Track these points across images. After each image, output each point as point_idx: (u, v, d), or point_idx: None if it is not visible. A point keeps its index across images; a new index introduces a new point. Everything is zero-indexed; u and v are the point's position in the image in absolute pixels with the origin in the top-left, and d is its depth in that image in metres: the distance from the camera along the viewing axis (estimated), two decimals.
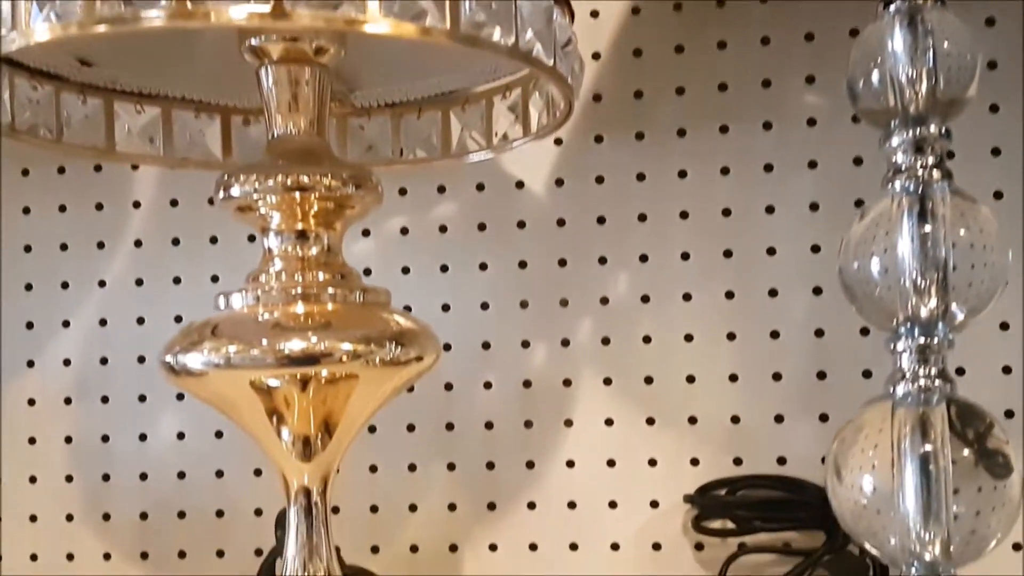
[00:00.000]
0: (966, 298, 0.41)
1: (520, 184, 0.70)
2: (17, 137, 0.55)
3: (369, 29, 0.38)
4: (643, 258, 0.68)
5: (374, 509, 0.70)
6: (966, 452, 0.41)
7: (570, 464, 0.68)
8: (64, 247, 0.73)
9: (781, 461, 0.65)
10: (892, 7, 0.43)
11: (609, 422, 0.68)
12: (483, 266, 0.70)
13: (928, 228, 0.42)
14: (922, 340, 0.43)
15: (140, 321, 0.72)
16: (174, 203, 0.73)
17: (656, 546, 0.67)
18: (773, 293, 0.66)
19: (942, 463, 0.40)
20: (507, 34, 0.42)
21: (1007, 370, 0.63)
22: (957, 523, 0.40)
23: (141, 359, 0.72)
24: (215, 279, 0.72)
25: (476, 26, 0.41)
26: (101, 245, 0.73)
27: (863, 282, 0.44)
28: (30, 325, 0.73)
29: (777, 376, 0.66)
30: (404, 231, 0.70)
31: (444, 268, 0.70)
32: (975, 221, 0.42)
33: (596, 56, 0.68)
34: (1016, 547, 0.62)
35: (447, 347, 0.69)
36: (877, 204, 0.44)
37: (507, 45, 0.42)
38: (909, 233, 0.41)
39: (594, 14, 0.68)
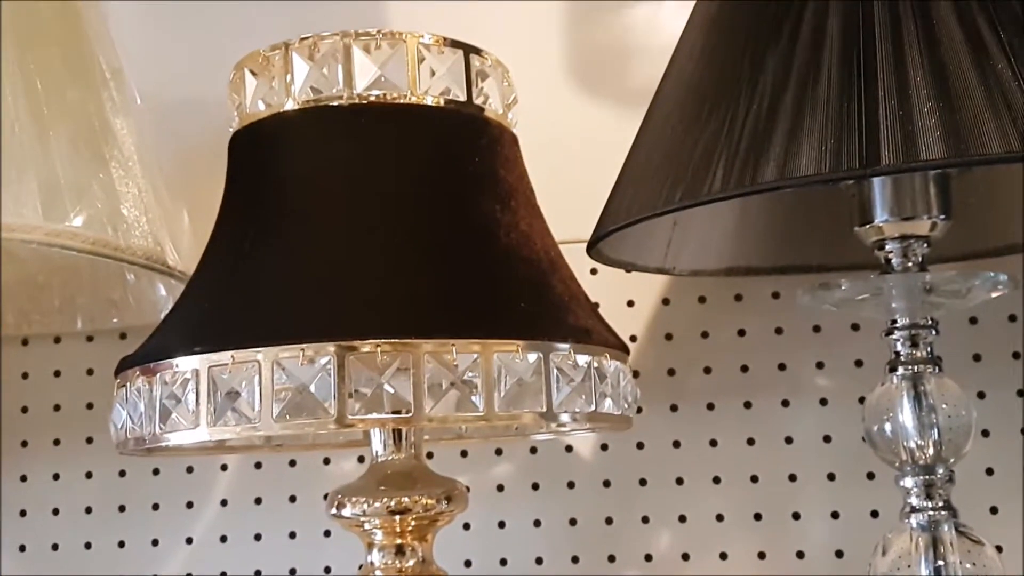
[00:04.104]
0: None
1: (569, 448, 0.79)
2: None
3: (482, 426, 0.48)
4: (682, 518, 0.76)
5: None
6: None
7: None
8: (156, 507, 0.81)
9: None
10: (897, 374, 0.53)
11: None
12: (537, 523, 0.78)
13: (941, 563, 0.50)
14: None
15: None
16: (258, 465, 0.81)
17: None
18: (800, 555, 0.74)
19: None
20: (587, 405, 0.52)
21: None
22: None
23: None
24: (293, 535, 0.79)
25: (569, 413, 0.50)
26: (190, 505, 0.81)
27: None
28: None
29: None
30: (466, 489, 0.78)
31: (501, 524, 0.78)
32: (979, 558, 0.50)
33: (633, 339, 0.78)
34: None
35: None
36: (898, 539, 0.52)
37: (587, 412, 0.52)
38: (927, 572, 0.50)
39: (630, 303, 0.78)
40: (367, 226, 0.53)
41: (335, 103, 0.56)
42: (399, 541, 0.59)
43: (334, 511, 0.59)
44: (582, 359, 0.51)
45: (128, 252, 0.56)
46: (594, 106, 0.84)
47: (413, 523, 0.59)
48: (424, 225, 0.54)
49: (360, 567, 0.59)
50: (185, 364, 0.48)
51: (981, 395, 0.73)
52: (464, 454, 0.79)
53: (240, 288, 0.52)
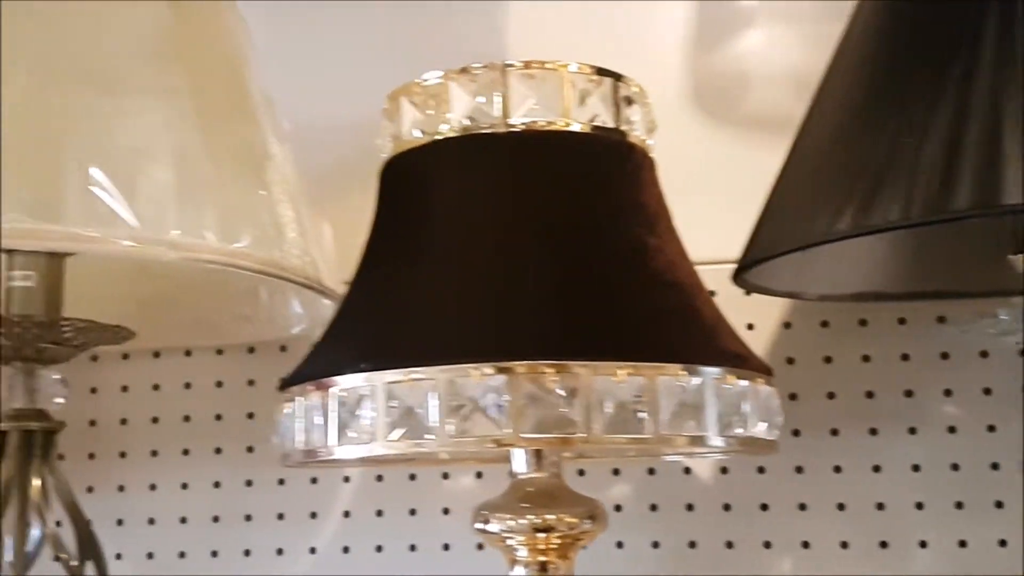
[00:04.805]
0: None
1: (687, 470, 0.79)
2: None
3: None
4: (805, 544, 0.76)
5: None
6: None
7: None
8: (281, 517, 0.83)
9: None
10: None
11: None
12: (655, 544, 0.78)
13: None
14: None
15: None
16: (379, 478, 0.83)
17: None
18: None
19: None
20: (743, 429, 0.52)
21: None
22: None
23: None
24: (413, 548, 0.81)
25: (725, 437, 0.51)
26: (314, 515, 0.83)
27: None
28: None
29: None
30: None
31: (619, 544, 0.79)
32: None
33: None
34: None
35: None
36: None
37: (742, 437, 0.52)
38: None
39: (750, 327, 0.79)
40: (523, 250, 0.54)
41: (491, 131, 0.57)
42: (542, 558, 0.60)
43: (479, 525, 0.60)
44: (740, 384, 0.52)
45: (292, 272, 0.58)
46: (711, 130, 0.85)
47: (557, 541, 0.60)
48: (577, 250, 0.55)
49: None
50: (362, 380, 0.50)
51: None
52: (581, 473, 0.80)
53: (405, 307, 0.54)
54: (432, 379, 0.48)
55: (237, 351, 0.85)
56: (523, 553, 0.60)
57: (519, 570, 0.60)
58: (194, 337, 0.84)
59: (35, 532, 0.64)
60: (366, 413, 0.49)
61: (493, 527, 0.60)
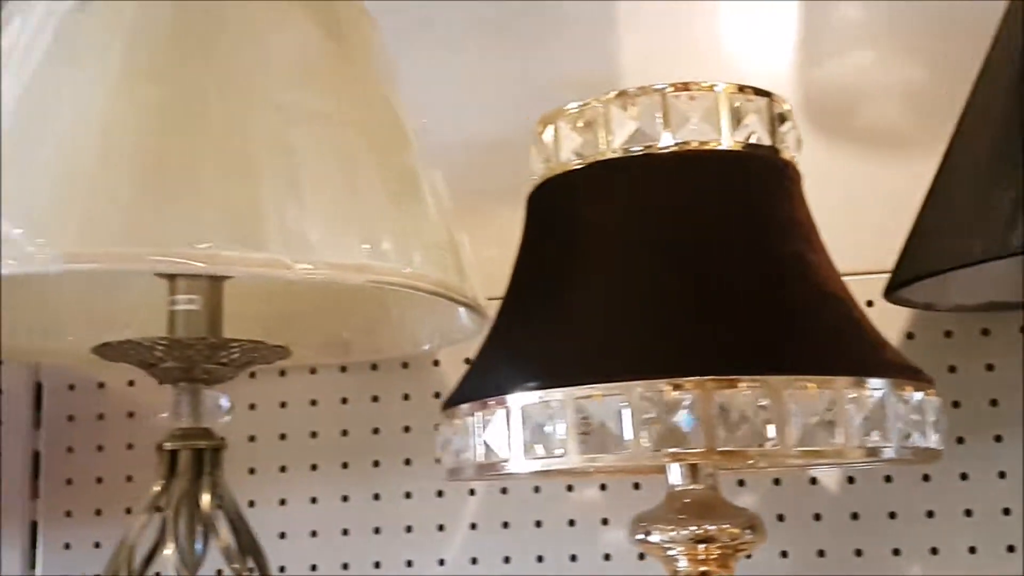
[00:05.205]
0: None
1: (814, 480, 0.80)
2: None
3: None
4: (934, 551, 0.77)
5: None
6: None
7: None
8: (409, 529, 0.85)
9: None
10: None
11: None
12: (784, 553, 0.80)
13: None
14: None
15: None
16: (504, 491, 0.84)
17: None
18: None
19: None
20: (921, 440, 0.54)
21: None
22: None
23: None
24: (540, 559, 0.83)
25: (906, 447, 0.52)
26: (441, 528, 0.85)
27: None
28: None
29: None
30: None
31: (747, 555, 0.80)
32: None
33: None
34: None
35: None
36: None
37: (919, 447, 0.54)
38: None
39: None
40: (692, 266, 0.56)
41: (651, 152, 0.59)
42: (703, 568, 0.61)
43: (640, 536, 0.62)
44: (916, 396, 0.53)
45: (455, 292, 0.60)
46: (823, 144, 0.86)
47: (717, 552, 0.61)
48: (745, 266, 0.56)
49: None
50: (549, 396, 0.51)
51: None
52: None
53: (572, 324, 0.56)
54: (623, 394, 0.50)
55: (361, 368, 0.87)
56: (683, 564, 0.61)
57: None
58: (321, 355, 0.87)
59: (197, 545, 0.66)
60: (556, 428, 0.51)
61: (654, 538, 0.61)
